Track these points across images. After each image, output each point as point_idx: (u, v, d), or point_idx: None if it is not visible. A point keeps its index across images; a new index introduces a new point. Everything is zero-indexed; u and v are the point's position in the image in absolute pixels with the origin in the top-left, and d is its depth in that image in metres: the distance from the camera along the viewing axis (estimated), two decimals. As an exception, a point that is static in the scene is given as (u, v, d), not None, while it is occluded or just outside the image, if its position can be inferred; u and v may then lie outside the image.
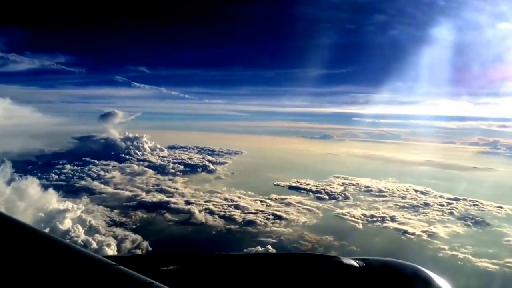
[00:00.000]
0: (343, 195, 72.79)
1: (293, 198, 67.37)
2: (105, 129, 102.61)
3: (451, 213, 67.86)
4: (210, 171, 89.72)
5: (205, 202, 60.52)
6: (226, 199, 64.48)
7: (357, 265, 3.76)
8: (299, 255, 4.48)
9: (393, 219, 59.35)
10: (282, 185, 78.44)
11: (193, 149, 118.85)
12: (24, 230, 3.18)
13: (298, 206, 62.09)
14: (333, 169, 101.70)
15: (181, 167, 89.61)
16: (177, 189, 67.68)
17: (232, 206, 60.09)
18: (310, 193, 73.80)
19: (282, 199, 66.07)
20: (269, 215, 55.43)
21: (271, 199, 65.83)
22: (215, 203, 61.55)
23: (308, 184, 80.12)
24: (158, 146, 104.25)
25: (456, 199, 75.39)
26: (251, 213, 57.32)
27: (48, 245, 2.92)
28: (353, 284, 3.65)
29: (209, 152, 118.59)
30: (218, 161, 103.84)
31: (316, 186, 78.66)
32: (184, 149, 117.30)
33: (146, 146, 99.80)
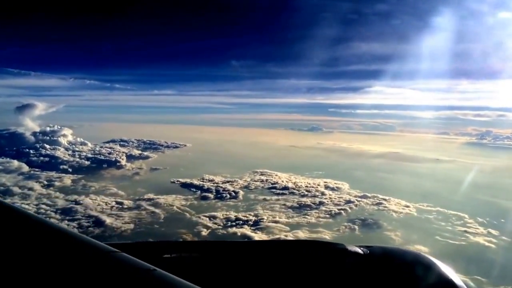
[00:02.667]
0: (233, 193, 65.35)
1: (171, 197, 60.14)
2: (21, 122, 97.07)
3: (338, 214, 59.76)
4: (119, 167, 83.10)
5: (41, 203, 53.82)
6: (90, 198, 57.71)
7: (361, 252, 3.72)
8: (303, 241, 4.63)
9: (256, 222, 51.51)
10: (178, 182, 71.43)
11: (132, 142, 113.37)
12: (22, 217, 3.14)
13: (159, 207, 54.95)
14: (265, 163, 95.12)
15: (87, 163, 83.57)
16: (34, 189, 61.07)
17: (75, 205, 53.32)
18: (198, 191, 66.36)
19: (153, 199, 58.90)
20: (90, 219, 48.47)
21: (143, 199, 58.75)
22: (65, 203, 55.03)
23: (211, 181, 73.09)
24: (81, 140, 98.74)
25: (365, 197, 67.48)
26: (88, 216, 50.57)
27: (47, 231, 2.88)
28: (357, 271, 3.58)
29: (147, 146, 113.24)
30: (142, 155, 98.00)
31: (217, 183, 71.62)
32: (123, 143, 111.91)
33: (63, 140, 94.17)
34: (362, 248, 3.80)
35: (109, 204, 56.34)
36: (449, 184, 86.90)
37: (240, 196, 65.64)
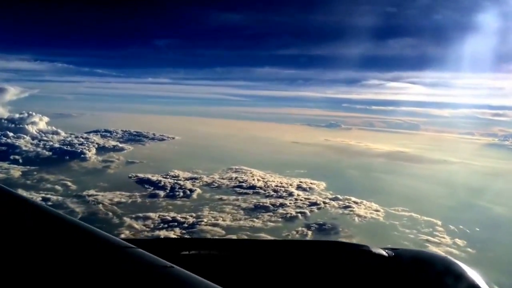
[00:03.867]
0: (188, 192, 61.09)
1: (113, 194, 56.29)
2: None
3: (295, 218, 54.66)
4: (83, 159, 79.86)
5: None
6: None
7: (386, 254, 3.62)
8: (327, 243, 4.35)
9: (192, 225, 47.04)
10: (135, 178, 67.79)
11: (117, 133, 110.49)
12: (36, 210, 3.07)
13: (86, 204, 51.00)
14: (248, 159, 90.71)
15: (48, 154, 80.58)
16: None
17: None
18: (151, 188, 62.18)
19: (92, 195, 55.11)
20: None
21: (79, 196, 55.15)
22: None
23: (175, 177, 69.09)
24: (54, 129, 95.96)
25: (336, 199, 62.13)
26: None
27: (63, 225, 2.83)
28: (382, 273, 3.48)
29: (132, 137, 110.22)
30: (117, 147, 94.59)
31: (179, 179, 67.30)
32: (106, 133, 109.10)
33: (31, 128, 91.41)
34: (387, 250, 3.66)
35: (39, 198, 52.60)
36: (440, 188, 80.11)
37: (195, 195, 61.15)
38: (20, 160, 73.83)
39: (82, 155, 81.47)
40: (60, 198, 53.11)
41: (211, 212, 53.89)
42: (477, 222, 56.97)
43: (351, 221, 56.36)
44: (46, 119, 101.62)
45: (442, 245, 49.03)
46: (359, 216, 57.78)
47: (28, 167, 71.20)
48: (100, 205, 50.66)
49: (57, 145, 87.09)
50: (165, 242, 4.00)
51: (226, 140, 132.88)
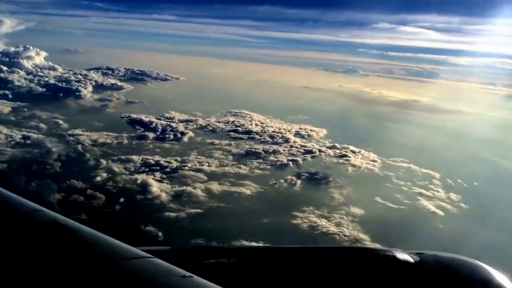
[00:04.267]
0: (179, 135, 59.23)
1: (99, 135, 54.76)
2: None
3: (285, 165, 52.49)
4: (78, 97, 78.07)
5: None
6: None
7: (412, 260, 3.45)
8: (350, 249, 4.52)
9: (175, 170, 45.31)
10: (127, 118, 65.98)
11: (119, 71, 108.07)
12: (48, 217, 2.99)
13: (67, 144, 49.44)
14: (252, 103, 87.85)
15: (42, 90, 78.78)
16: None
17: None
18: (141, 129, 60.56)
19: (76, 135, 53.51)
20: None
21: (65, 135, 53.68)
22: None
23: (169, 119, 67.12)
24: (51, 64, 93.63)
25: (333, 147, 59.70)
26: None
27: (78, 235, 2.76)
28: (407, 281, 3.36)
29: (134, 76, 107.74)
30: (116, 85, 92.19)
31: (173, 121, 65.27)
32: (107, 71, 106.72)
33: (26, 63, 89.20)
34: (412, 255, 3.48)
35: (18, 136, 51.23)
36: (448, 139, 76.62)
37: (185, 138, 59.25)
38: (10, 96, 71.68)
39: (77, 93, 79.26)
40: (41, 136, 51.34)
41: (198, 157, 52.00)
42: (478, 176, 54.16)
43: (344, 171, 54.05)
44: (44, 54, 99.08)
45: (435, 199, 46.60)
46: (353, 166, 55.36)
47: (19, 103, 69.71)
48: (80, 146, 48.84)
49: (52, 81, 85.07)
50: (184, 251, 3.21)
51: (233, 82, 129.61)
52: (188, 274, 2.33)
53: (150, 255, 2.56)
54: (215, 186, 43.39)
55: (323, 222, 39.12)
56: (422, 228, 38.90)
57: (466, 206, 45.19)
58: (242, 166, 50.45)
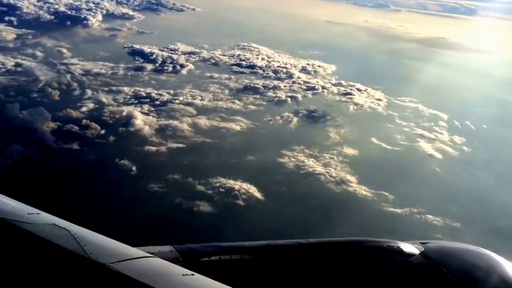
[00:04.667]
0: (178, 67, 57.69)
1: (94, 64, 53.65)
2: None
3: (284, 102, 50.64)
4: (85, 26, 76.33)
5: None
6: None
7: (417, 251, 3.50)
8: (352, 243, 3.69)
9: (165, 103, 44.10)
10: (130, 48, 64.30)
11: (134, 0, 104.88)
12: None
13: (59, 73, 48.38)
14: (264, 37, 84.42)
15: (49, 18, 77.18)
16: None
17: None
18: (141, 60, 58.99)
19: (74, 64, 52.39)
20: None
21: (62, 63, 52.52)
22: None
23: (172, 50, 65.30)
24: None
25: (339, 85, 57.27)
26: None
27: (76, 235, 2.67)
28: (413, 272, 3.39)
29: (149, 5, 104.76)
30: (127, 15, 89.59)
31: (175, 53, 63.38)
32: (123, 0, 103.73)
33: None
34: (417, 245, 3.53)
35: (11, 63, 50.30)
36: (467, 79, 72.47)
37: (184, 71, 57.43)
38: (15, 22, 70.19)
39: (85, 21, 77.34)
40: (33, 64, 50.26)
41: (193, 90, 50.34)
42: (490, 119, 51.00)
43: (345, 109, 51.79)
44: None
45: (436, 141, 44.25)
46: (356, 104, 52.91)
47: (24, 30, 68.16)
48: (69, 75, 47.62)
49: (62, 8, 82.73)
50: (183, 250, 3.04)
51: (252, 15, 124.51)
52: (189, 272, 2.34)
53: (150, 255, 2.55)
54: (203, 121, 41.99)
55: (311, 162, 37.59)
56: (414, 171, 37.09)
57: (468, 149, 42.77)
58: (236, 101, 48.67)
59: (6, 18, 71.73)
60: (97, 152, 34.28)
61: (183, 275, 2.31)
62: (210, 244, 3.26)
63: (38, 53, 54.96)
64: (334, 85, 58.84)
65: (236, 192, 31.28)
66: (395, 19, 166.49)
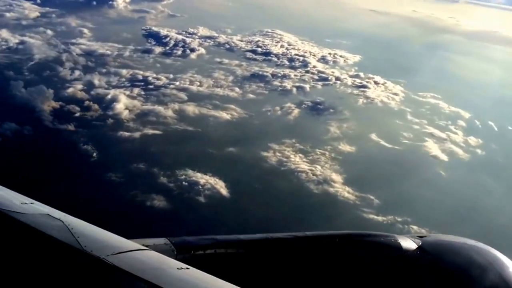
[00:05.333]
0: (189, 51, 56.26)
1: (105, 46, 52.83)
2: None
3: (289, 92, 47.96)
4: (110, 6, 75.99)
5: None
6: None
7: (415, 245, 3.45)
8: (347, 236, 3.61)
9: (159, 87, 42.67)
10: (146, 31, 63.16)
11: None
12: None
13: (70, 54, 47.90)
14: (295, 24, 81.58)
15: None
16: None
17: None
18: (153, 42, 57.94)
19: (83, 44, 51.91)
20: None
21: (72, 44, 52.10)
22: None
23: (190, 34, 64.08)
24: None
25: (355, 76, 54.14)
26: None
27: (70, 227, 2.63)
28: (411, 266, 3.36)
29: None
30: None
31: (191, 37, 61.90)
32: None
33: None
34: (415, 239, 3.48)
35: (14, 41, 50.06)
36: (505, 76, 66.00)
37: (193, 55, 55.46)
38: (38, 0, 70.35)
39: (110, 1, 76.66)
40: (37, 42, 49.76)
41: (194, 75, 48.20)
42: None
43: (353, 102, 48.10)
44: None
45: (447, 141, 39.87)
46: (367, 98, 48.93)
47: (48, 8, 68.21)
48: (66, 54, 46.65)
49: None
50: (178, 243, 2.97)
51: (294, 1, 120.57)
52: (184, 266, 2.33)
53: (145, 247, 2.53)
54: (191, 108, 39.88)
55: (297, 158, 34.62)
56: (410, 173, 33.33)
57: (482, 152, 38.17)
58: (236, 89, 46.12)
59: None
60: (65, 135, 32.82)
61: (177, 268, 2.29)
62: (205, 237, 3.17)
63: (49, 32, 54.26)
64: (351, 76, 55.00)
65: (200, 187, 28.96)
66: (449, 10, 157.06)
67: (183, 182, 29.05)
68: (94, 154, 30.25)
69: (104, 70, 45.71)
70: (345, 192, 30.99)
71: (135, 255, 2.39)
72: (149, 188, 28.12)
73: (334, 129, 41.14)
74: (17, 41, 49.28)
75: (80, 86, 40.87)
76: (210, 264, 2.65)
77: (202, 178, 29.56)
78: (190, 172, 30.25)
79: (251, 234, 3.34)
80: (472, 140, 40.29)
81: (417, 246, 3.41)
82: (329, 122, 42.57)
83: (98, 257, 2.28)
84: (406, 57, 70.05)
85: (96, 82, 42.29)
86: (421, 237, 3.54)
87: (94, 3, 75.73)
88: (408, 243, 3.42)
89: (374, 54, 66.70)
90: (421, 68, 62.37)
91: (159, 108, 38.48)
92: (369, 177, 32.98)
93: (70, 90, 39.79)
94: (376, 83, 53.10)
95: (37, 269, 2.21)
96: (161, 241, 2.88)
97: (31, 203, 2.92)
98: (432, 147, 38.37)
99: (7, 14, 61.56)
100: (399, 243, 3.40)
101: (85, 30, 59.85)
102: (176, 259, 2.53)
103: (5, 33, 50.58)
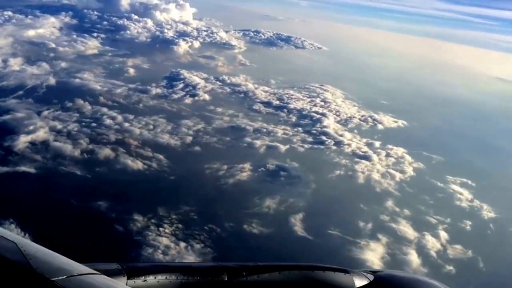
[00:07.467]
0: (188, 95, 53.33)
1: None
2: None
3: (256, 149, 41.92)
4: (171, 50, 77.78)
5: None
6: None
7: (367, 280, 3.34)
8: (303, 267, 3.46)
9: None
10: (174, 72, 62.49)
11: (263, 34, 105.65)
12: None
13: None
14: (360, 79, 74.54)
15: (145, 40, 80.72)
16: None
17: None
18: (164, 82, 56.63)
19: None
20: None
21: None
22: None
23: (218, 80, 61.68)
24: (186, 20, 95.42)
25: (369, 144, 46.35)
26: None
27: (22, 249, 2.48)
28: None
29: (274, 40, 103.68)
30: (232, 45, 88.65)
31: (221, 82, 59.77)
32: (254, 33, 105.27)
33: (159, 15, 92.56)
34: (367, 274, 3.37)
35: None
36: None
37: (188, 100, 52.39)
38: (101, 38, 74.36)
39: (171, 45, 78.61)
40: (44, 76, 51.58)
41: (160, 119, 44.49)
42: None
43: (328, 173, 38.86)
44: (192, 10, 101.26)
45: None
46: (352, 170, 39.42)
47: (107, 47, 71.84)
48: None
49: (171, 34, 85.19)
50: (129, 268, 2.86)
51: (386, 60, 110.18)
52: None
53: (96, 272, 2.46)
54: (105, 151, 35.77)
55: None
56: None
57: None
58: (189, 137, 40.87)
59: (95, 35, 76.30)
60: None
61: None
62: (157, 263, 3.31)
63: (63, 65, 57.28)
64: (366, 144, 45.80)
65: None
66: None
67: None
68: None
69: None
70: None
71: (86, 279, 2.31)
72: None
73: (270, 202, 33.02)
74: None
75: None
76: None
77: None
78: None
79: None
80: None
81: (369, 280, 3.29)
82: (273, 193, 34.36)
83: (48, 279, 2.21)
84: (470, 133, 56.54)
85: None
86: (374, 272, 3.41)
87: (158, 45, 77.91)
88: (361, 278, 3.28)
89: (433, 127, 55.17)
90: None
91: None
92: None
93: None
94: (388, 155, 43.11)
95: None
96: (112, 266, 2.76)
97: None
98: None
99: (66, 48, 65.92)
100: (351, 278, 3.26)
101: (131, 70, 60.88)
102: (126, 284, 2.50)
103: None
